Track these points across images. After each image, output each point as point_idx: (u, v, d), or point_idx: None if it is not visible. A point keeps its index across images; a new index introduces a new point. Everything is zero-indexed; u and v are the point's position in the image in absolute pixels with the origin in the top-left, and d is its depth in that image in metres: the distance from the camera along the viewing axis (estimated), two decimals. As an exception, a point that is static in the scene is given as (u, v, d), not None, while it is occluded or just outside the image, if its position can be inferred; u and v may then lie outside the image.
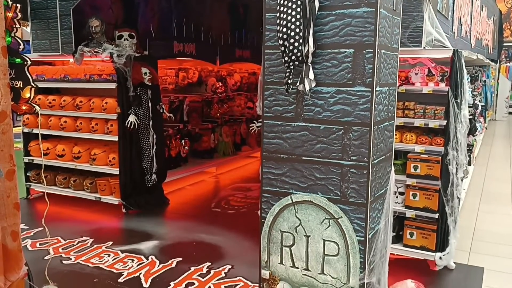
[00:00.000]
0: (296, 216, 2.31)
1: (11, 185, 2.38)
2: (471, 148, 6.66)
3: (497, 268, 4.31)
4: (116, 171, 5.68)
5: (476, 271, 4.24)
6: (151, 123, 5.80)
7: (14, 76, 2.41)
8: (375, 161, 2.21)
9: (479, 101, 7.69)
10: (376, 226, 2.30)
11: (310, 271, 2.27)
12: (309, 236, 2.27)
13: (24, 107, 2.45)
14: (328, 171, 2.23)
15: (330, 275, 2.22)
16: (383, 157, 2.34)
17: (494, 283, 4.01)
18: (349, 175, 2.19)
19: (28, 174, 6.30)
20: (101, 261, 4.46)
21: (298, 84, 2.20)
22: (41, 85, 5.82)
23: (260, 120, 5.59)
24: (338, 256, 2.20)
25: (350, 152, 2.18)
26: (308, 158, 2.27)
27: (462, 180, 4.36)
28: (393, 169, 2.50)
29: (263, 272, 2.40)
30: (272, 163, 2.37)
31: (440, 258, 4.14)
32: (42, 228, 5.13)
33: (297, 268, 2.30)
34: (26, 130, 6.21)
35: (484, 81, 9.19)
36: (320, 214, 2.24)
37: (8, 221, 2.39)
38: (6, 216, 2.37)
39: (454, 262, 4.27)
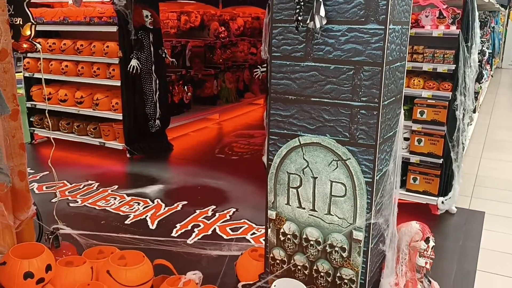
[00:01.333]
0: (303, 158, 2.30)
1: (15, 125, 2.35)
2: (476, 95, 6.58)
3: (498, 213, 4.37)
4: (119, 116, 5.65)
5: (477, 215, 4.30)
6: (153, 68, 5.70)
7: (13, 12, 2.33)
8: (386, 102, 2.17)
9: (487, 48, 7.52)
10: (384, 168, 2.29)
11: (317, 211, 2.29)
12: (316, 177, 2.27)
13: (25, 45, 2.39)
14: (337, 112, 2.19)
15: (336, 216, 2.24)
16: (394, 98, 2.30)
17: (494, 226, 4.08)
18: (358, 116, 2.15)
19: (31, 119, 6.28)
20: (108, 204, 4.52)
21: (308, 21, 2.12)
22: (40, 28, 5.68)
23: (264, 65, 5.49)
24: (345, 197, 2.21)
25: (360, 93, 2.13)
26: (317, 99, 2.23)
27: (468, 126, 4.33)
28: (402, 111, 2.46)
29: (269, 213, 2.42)
30: (280, 105, 2.33)
31: (443, 202, 4.19)
32: (48, 172, 5.18)
33: (304, 208, 2.32)
34: (27, 74, 6.12)
35: (493, 27, 8.95)
36: (328, 156, 2.23)
37: (15, 161, 2.39)
38: (12, 156, 2.36)
39: (456, 207, 4.33)
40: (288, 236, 2.38)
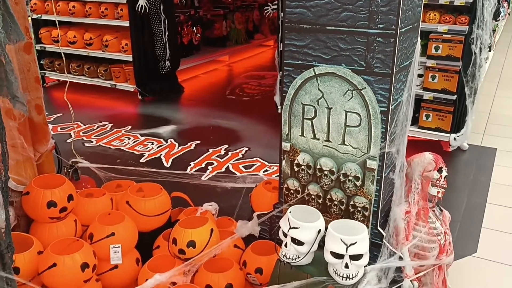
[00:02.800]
0: (318, 88, 2.28)
1: (30, 58, 2.36)
2: (492, 33, 6.40)
3: (510, 149, 4.37)
4: (129, 57, 5.61)
5: (489, 152, 4.31)
6: (162, 7, 5.58)
7: None
8: (403, 30, 2.12)
9: (506, -17, 7.21)
10: (399, 98, 2.28)
11: (331, 142, 2.31)
12: (331, 108, 2.27)
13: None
14: (353, 41, 2.16)
15: (351, 145, 2.26)
16: (411, 26, 2.25)
17: (506, 162, 4.09)
18: (375, 44, 2.11)
19: (41, 62, 6.26)
20: (122, 143, 4.60)
21: None
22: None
23: (275, 3, 5.32)
24: (359, 127, 2.22)
25: (377, 20, 2.08)
26: (333, 28, 2.19)
27: (486, 62, 4.25)
28: (419, 40, 2.41)
29: (284, 145, 2.45)
30: (295, 35, 2.29)
31: (455, 139, 4.19)
32: (62, 114, 5.23)
33: (318, 139, 2.34)
34: (34, 16, 6.04)
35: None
36: (343, 85, 2.22)
37: (31, 94, 2.41)
38: (28, 90, 2.38)
39: (468, 144, 4.33)
40: (302, 167, 2.42)
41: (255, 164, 4.17)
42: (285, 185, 2.52)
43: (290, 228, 2.07)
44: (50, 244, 2.18)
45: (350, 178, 2.31)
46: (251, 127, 5.05)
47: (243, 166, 4.13)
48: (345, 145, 2.29)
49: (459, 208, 3.34)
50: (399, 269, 2.27)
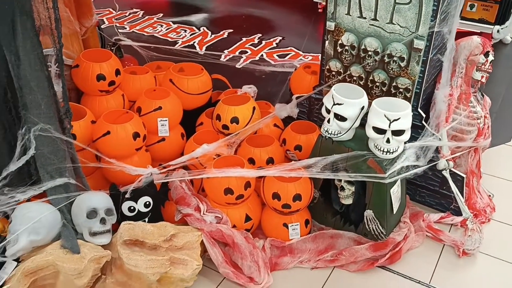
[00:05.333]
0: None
1: None
2: None
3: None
4: None
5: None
6: None
7: None
8: None
9: None
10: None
11: (378, 20, 2.26)
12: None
13: None
14: None
15: (398, 24, 2.21)
16: None
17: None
18: None
19: None
20: (155, 30, 4.57)
21: None
22: None
23: None
24: (409, 4, 2.15)
25: None
26: None
27: None
28: None
29: (328, 24, 2.40)
30: None
31: (498, 31, 4.04)
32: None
33: (365, 18, 2.28)
34: None
35: None
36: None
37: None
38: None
39: (511, 37, 4.18)
40: (346, 47, 2.40)
41: (290, 54, 4.13)
42: (327, 67, 2.52)
43: (334, 104, 2.11)
44: (103, 114, 2.29)
45: (394, 58, 2.29)
46: (284, 16, 4.91)
47: (277, 55, 4.10)
48: (393, 24, 2.24)
49: (497, 100, 3.32)
50: (436, 150, 2.34)
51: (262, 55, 4.12)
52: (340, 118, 2.11)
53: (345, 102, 2.09)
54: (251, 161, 2.36)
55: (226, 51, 4.17)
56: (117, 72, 2.42)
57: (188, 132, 2.60)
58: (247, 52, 4.16)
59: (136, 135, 2.26)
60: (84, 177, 2.19)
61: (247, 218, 2.27)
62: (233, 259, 2.19)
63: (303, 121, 2.62)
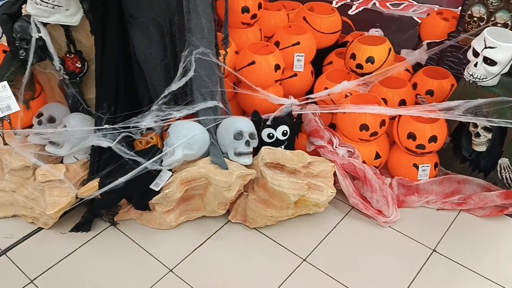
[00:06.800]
0: None
1: None
2: None
3: None
4: None
5: None
6: None
7: None
8: None
9: None
10: None
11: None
12: None
13: None
14: None
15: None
16: None
17: None
18: None
19: None
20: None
21: None
22: None
23: None
24: None
25: None
26: None
27: None
28: None
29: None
30: None
31: None
32: None
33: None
34: None
35: None
36: None
37: None
38: None
39: None
40: (494, -8, 2.33)
41: (403, 4, 4.03)
42: (468, 12, 2.47)
43: (486, 47, 2.09)
44: (247, 45, 2.40)
45: (549, 6, 2.21)
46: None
47: (390, 4, 4.02)
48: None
49: None
50: None
51: (374, 3, 4.05)
52: (490, 62, 2.10)
53: (498, 45, 2.06)
54: (383, 102, 2.40)
55: (336, -2, 4.13)
56: (259, 6, 2.51)
57: (315, 71, 2.68)
58: (359, -1, 4.11)
59: (277, 67, 2.37)
60: (228, 102, 2.34)
61: (377, 156, 2.35)
62: (361, 192, 2.30)
63: (435, 66, 2.61)
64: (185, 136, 2.12)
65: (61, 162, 2.25)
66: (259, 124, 2.28)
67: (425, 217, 2.26)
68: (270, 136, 2.29)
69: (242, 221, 2.22)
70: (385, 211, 2.21)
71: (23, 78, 2.09)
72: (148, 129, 2.21)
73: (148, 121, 2.14)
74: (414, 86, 2.52)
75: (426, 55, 2.70)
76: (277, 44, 2.51)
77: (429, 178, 2.33)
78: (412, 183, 2.32)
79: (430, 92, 2.46)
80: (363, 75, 2.47)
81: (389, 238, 2.17)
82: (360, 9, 3.95)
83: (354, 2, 4.05)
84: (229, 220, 2.23)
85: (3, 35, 2.27)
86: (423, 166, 2.30)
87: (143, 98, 2.28)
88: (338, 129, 2.41)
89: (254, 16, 2.51)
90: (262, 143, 2.29)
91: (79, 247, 2.12)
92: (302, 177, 2.16)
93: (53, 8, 1.94)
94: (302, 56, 2.49)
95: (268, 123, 2.28)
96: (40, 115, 2.24)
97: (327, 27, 2.67)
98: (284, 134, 2.30)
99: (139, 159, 2.10)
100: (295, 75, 2.57)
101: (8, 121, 2.07)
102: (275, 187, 2.09)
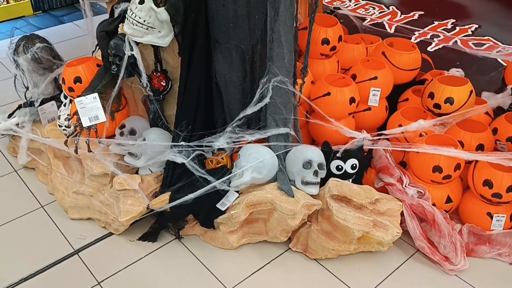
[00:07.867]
0: None
1: None
2: None
3: None
4: None
5: None
6: None
7: None
8: None
9: None
10: None
11: None
12: None
13: None
14: None
15: None
16: None
17: None
18: None
19: None
20: (343, 5, 4.63)
21: None
22: None
23: None
24: None
25: None
26: None
27: None
28: None
29: None
30: None
31: None
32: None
33: None
34: None
35: None
36: None
37: None
38: None
39: None
40: None
41: (487, 44, 3.90)
42: (560, 60, 2.35)
43: None
44: (323, 76, 2.43)
45: None
46: (480, 3, 4.63)
47: (473, 43, 3.91)
48: None
49: None
50: None
51: (456, 41, 3.95)
52: None
53: None
54: (460, 145, 2.33)
55: (416, 33, 4.08)
56: (339, 39, 2.54)
57: (390, 106, 2.65)
58: (439, 36, 4.03)
59: (352, 100, 2.37)
60: (299, 130, 2.37)
61: (448, 200, 2.27)
62: (428, 236, 2.22)
63: (517, 113, 2.50)
64: (255, 159, 2.17)
65: (136, 172, 2.37)
66: (329, 155, 2.29)
67: (495, 270, 2.14)
68: (339, 168, 2.29)
69: (302, 251, 2.22)
70: (453, 258, 2.13)
71: (112, 91, 2.24)
72: (219, 149, 2.28)
73: (221, 141, 2.22)
74: (494, 131, 2.42)
75: (510, 100, 2.59)
76: (353, 77, 2.52)
77: (503, 229, 2.21)
78: (484, 232, 2.22)
79: (511, 139, 2.36)
80: (440, 115, 2.41)
81: (454, 287, 2.08)
82: (440, 46, 3.87)
83: (435, 39, 3.98)
84: (290, 248, 2.24)
85: (98, 49, 2.45)
86: (498, 216, 2.19)
87: (217, 119, 2.38)
88: (409, 168, 2.36)
89: (333, 48, 2.54)
90: (330, 174, 2.29)
91: (144, 256, 2.21)
92: (368, 213, 2.14)
93: (147, 29, 2.08)
94: (379, 91, 2.48)
95: (338, 155, 2.28)
96: (122, 126, 2.38)
97: (406, 64, 2.64)
98: (353, 167, 2.29)
99: (209, 177, 2.17)
100: (369, 109, 2.56)
101: (95, 130, 2.21)
102: (340, 221, 2.08)
